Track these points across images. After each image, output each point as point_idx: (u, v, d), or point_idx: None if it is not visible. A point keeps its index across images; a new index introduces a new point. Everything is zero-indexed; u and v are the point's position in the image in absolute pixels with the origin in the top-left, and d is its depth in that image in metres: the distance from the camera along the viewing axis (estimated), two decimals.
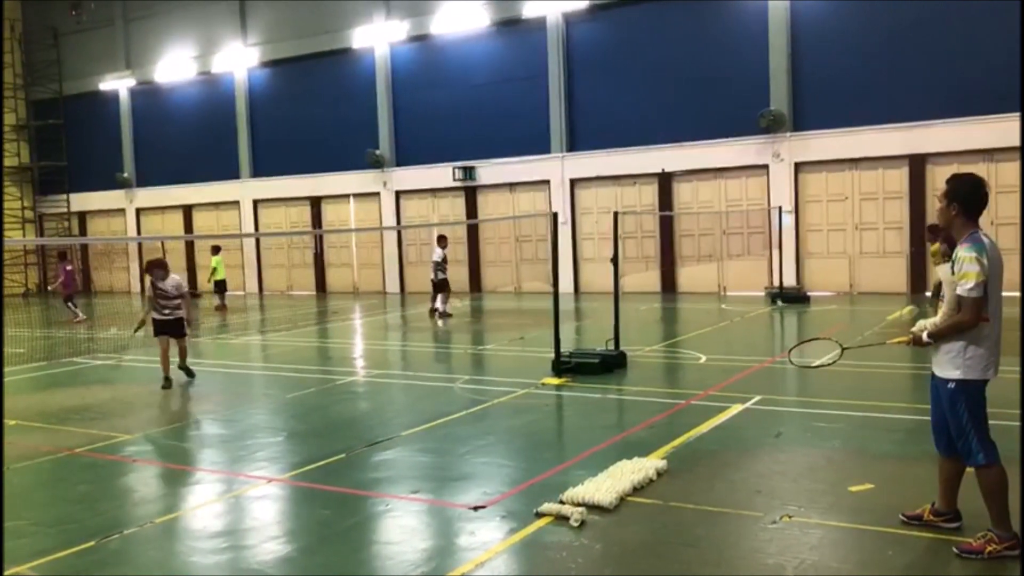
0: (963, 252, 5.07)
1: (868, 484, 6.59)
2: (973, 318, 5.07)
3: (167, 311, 12.06)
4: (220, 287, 25.16)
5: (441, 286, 20.44)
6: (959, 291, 5.07)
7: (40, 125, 36.81)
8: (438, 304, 20.47)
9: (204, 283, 27.97)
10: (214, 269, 25.11)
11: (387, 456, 8.04)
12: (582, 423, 9.50)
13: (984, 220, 5.29)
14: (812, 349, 9.11)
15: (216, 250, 25.68)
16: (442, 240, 20.73)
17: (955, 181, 5.28)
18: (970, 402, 5.18)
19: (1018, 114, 18.13)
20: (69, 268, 24.07)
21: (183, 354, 12.41)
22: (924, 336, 5.29)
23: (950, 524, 5.56)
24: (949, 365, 5.21)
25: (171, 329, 12.19)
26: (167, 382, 11.94)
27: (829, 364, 7.39)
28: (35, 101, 37.05)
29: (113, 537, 6.09)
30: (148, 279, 12.23)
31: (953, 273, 5.12)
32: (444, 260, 20.39)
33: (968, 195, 5.20)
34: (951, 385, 5.21)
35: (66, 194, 36.98)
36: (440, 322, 19.79)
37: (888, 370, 11.87)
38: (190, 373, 12.45)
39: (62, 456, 8.53)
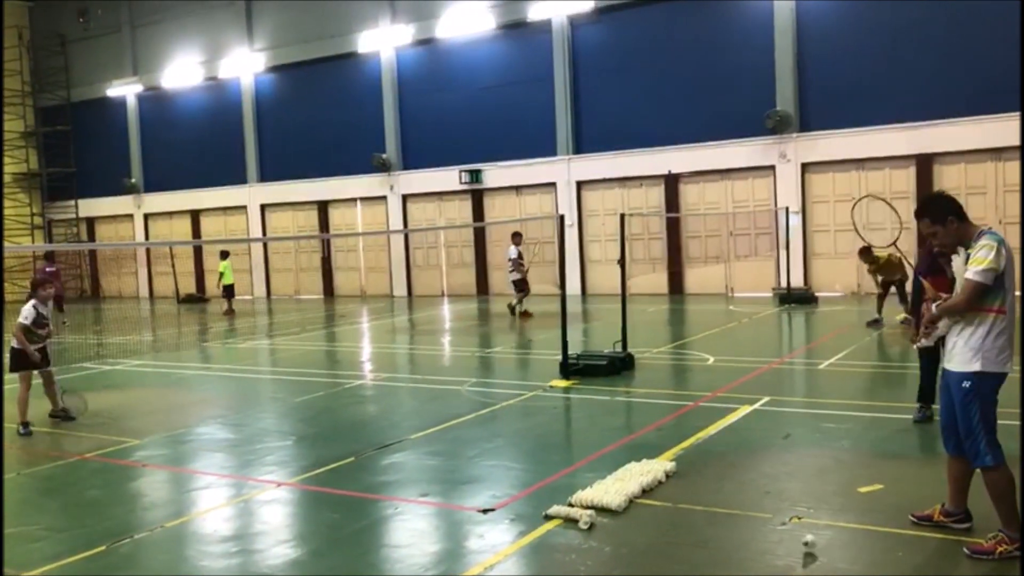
0: (984, 241, 5.09)
1: (877, 485, 6.57)
2: (968, 300, 5.09)
3: (40, 340, 10.11)
4: (228, 292, 25.18)
5: (519, 285, 19.92)
6: (967, 274, 5.08)
7: (48, 131, 36.95)
8: (518, 304, 20.01)
9: (213, 288, 28.00)
10: (221, 274, 25.14)
11: (396, 459, 8.05)
12: (590, 425, 9.49)
13: (992, 219, 5.32)
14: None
15: (225, 255, 25.72)
16: (516, 237, 20.16)
17: (932, 205, 5.30)
18: (983, 402, 5.16)
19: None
20: (51, 269, 23.83)
21: (54, 397, 10.43)
22: (934, 307, 5.33)
23: (960, 525, 5.55)
24: (968, 356, 5.17)
25: (41, 361, 10.16)
26: (27, 428, 9.88)
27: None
28: (43, 108, 37.22)
29: (124, 542, 6.11)
30: (30, 306, 10.06)
31: (967, 262, 5.13)
32: (520, 257, 19.86)
33: (951, 204, 5.23)
34: (966, 384, 5.18)
35: (74, 200, 37.14)
36: (516, 319, 19.57)
37: (896, 370, 11.84)
38: (69, 415, 10.42)
39: (72, 461, 8.57)
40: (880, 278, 15.56)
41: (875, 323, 15.68)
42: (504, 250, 27.31)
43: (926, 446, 7.62)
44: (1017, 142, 19.33)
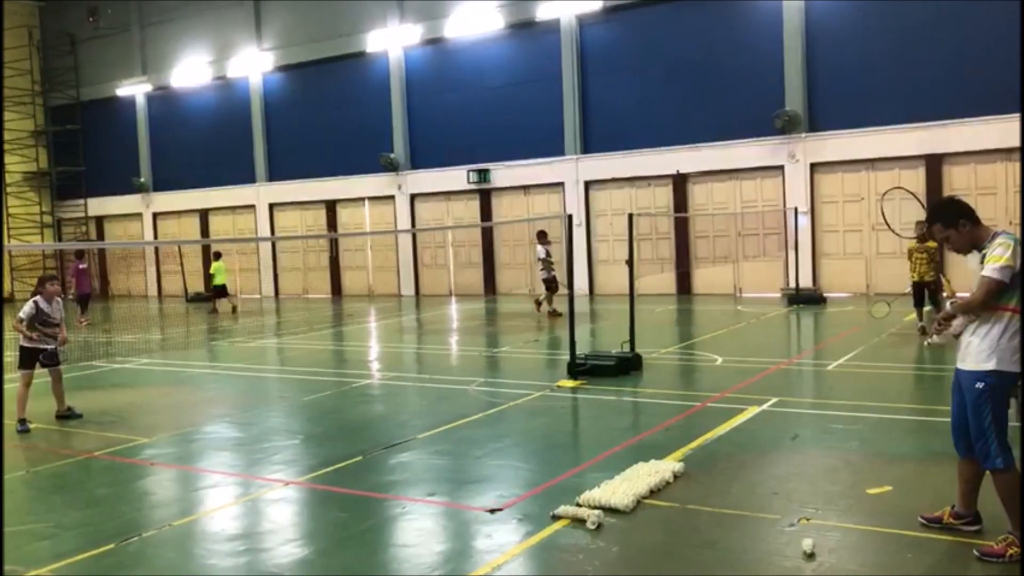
0: (1000, 239, 5.10)
1: (886, 486, 6.54)
2: (985, 297, 5.07)
3: (44, 338, 10.15)
4: (219, 292, 25.42)
5: (548, 284, 19.77)
6: (984, 271, 5.08)
7: (58, 130, 37.10)
8: (545, 303, 19.90)
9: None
10: (213, 275, 25.43)
11: (403, 459, 8.05)
12: (598, 425, 9.48)
13: (1003, 219, 5.33)
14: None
15: (217, 256, 25.94)
16: (542, 236, 20.08)
17: (942, 210, 5.35)
18: (995, 402, 5.14)
19: None
20: (83, 267, 23.91)
21: (62, 397, 10.48)
22: (949, 304, 5.34)
23: (970, 527, 5.52)
24: (984, 354, 5.15)
25: (47, 358, 10.20)
26: (24, 425, 9.87)
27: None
28: (53, 107, 37.37)
29: (132, 540, 6.12)
30: (31, 302, 10.12)
31: (983, 261, 5.13)
32: (548, 256, 19.78)
33: (962, 208, 5.27)
34: (980, 384, 5.16)
35: (84, 199, 37.27)
36: (543, 316, 19.49)
37: (906, 371, 11.79)
38: (75, 414, 10.47)
39: (81, 459, 8.59)
40: (919, 270, 14.18)
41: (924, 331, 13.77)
42: (512, 250, 27.44)
43: (935, 447, 7.58)
44: None
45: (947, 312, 5.36)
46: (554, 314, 19.45)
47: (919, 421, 8.52)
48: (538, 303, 20.27)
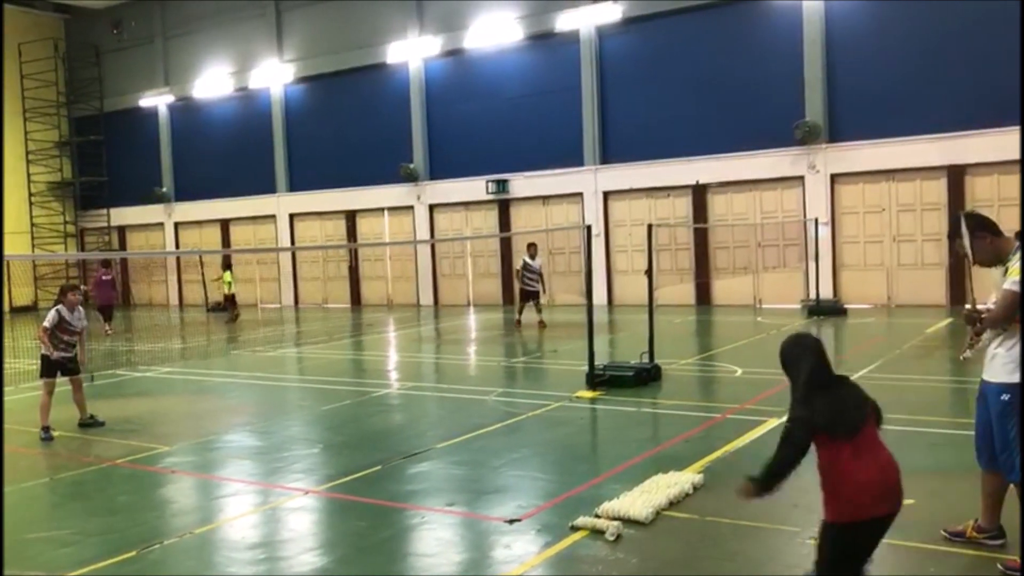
0: (1021, 252, 5.08)
1: (909, 499, 6.45)
2: (1005, 311, 5.06)
3: (65, 347, 10.28)
4: (231, 301, 26.11)
5: (520, 295, 20.22)
6: (1005, 284, 5.08)
7: (81, 141, 37.52)
8: (524, 315, 20.29)
9: (240, 296, 28.44)
10: (228, 283, 25.85)
11: (422, 468, 8.07)
12: (616, 436, 9.46)
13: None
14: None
15: (227, 265, 26.42)
16: (529, 248, 20.37)
17: (965, 223, 5.33)
18: (1020, 415, 5.09)
19: None
20: (107, 278, 24.08)
21: (83, 405, 10.59)
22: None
23: (994, 541, 5.46)
24: (1010, 366, 5.11)
25: (67, 367, 10.35)
26: (48, 433, 9.95)
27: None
28: (77, 118, 37.79)
29: (153, 547, 6.17)
30: (54, 311, 10.25)
31: (1005, 274, 5.11)
32: (524, 267, 20.02)
33: (983, 220, 5.30)
34: (1005, 397, 5.12)
35: (106, 209, 37.63)
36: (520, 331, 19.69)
37: (927, 383, 11.69)
38: (97, 422, 10.58)
39: (103, 467, 8.66)
40: None
41: None
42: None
43: (958, 460, 7.50)
44: None
45: (980, 327, 5.31)
46: (518, 324, 19.82)
47: (942, 434, 8.44)
48: (518, 321, 20.37)
